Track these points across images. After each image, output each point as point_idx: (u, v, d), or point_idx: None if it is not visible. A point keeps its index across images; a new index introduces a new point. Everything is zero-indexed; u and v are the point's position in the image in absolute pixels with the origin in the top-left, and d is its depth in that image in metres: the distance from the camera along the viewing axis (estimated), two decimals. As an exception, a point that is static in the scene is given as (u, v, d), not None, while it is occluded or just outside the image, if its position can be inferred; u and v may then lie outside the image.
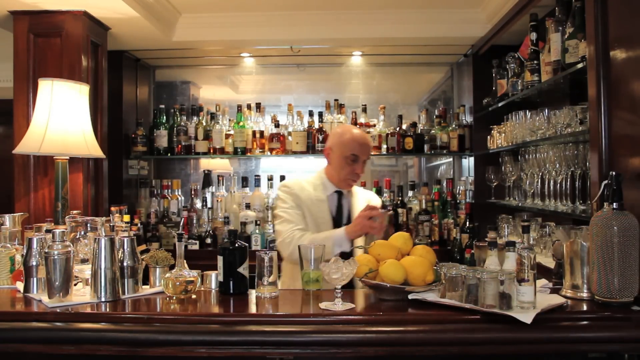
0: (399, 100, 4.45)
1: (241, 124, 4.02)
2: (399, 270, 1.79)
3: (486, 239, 1.90)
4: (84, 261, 2.08)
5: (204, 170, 4.23)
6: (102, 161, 3.36)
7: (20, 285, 2.00)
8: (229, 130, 4.05)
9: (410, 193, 4.06)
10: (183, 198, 4.14)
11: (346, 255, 2.05)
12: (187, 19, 3.73)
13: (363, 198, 2.67)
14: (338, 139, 2.58)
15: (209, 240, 3.82)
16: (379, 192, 4.01)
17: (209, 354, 1.59)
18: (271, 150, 4.01)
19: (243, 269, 1.91)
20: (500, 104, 3.37)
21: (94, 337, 1.63)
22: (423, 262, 1.85)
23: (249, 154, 4.04)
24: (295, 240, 2.36)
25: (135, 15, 3.22)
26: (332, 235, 2.38)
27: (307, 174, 4.31)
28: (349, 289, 1.88)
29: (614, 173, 1.70)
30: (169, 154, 4.11)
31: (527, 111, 2.91)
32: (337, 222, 2.55)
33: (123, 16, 3.27)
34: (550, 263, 2.28)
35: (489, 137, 3.60)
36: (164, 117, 4.13)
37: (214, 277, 2.00)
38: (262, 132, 4.03)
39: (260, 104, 4.14)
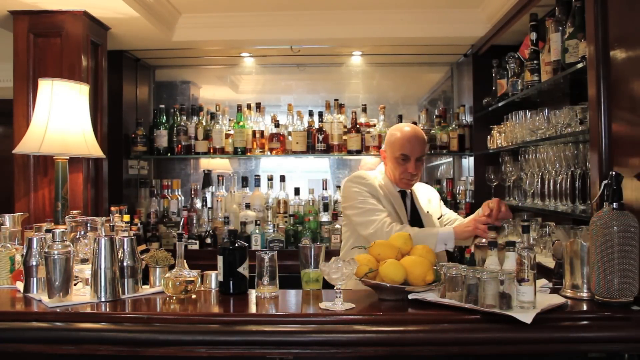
0: (399, 100, 4.45)
1: (241, 124, 4.02)
2: (399, 270, 1.79)
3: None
4: (84, 261, 2.08)
5: (204, 170, 4.23)
6: (102, 161, 3.36)
7: (20, 285, 2.00)
8: (229, 130, 4.05)
9: (410, 193, 4.05)
10: (183, 198, 4.14)
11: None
12: (187, 19, 3.73)
13: (424, 194, 2.66)
14: (388, 139, 2.53)
15: (209, 240, 3.82)
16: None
17: (209, 354, 1.59)
18: (271, 150, 4.01)
19: (243, 269, 1.91)
20: (500, 104, 3.37)
21: (94, 337, 1.63)
22: (423, 262, 1.85)
23: (249, 154, 4.04)
24: (396, 230, 2.26)
25: (135, 15, 3.22)
26: (436, 232, 2.33)
27: (307, 173, 4.36)
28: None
29: (614, 173, 1.70)
30: (169, 154, 4.12)
31: (527, 111, 2.92)
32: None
33: (123, 16, 3.27)
34: (550, 263, 2.28)
35: (489, 137, 3.60)
36: (164, 117, 4.13)
37: (214, 277, 2.00)
38: (262, 132, 4.03)
39: (260, 103, 4.14)
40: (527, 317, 1.54)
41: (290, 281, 2.12)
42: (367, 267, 1.83)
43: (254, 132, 4.02)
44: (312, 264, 1.90)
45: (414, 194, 2.61)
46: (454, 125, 4.07)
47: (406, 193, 2.57)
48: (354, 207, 2.45)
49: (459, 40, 3.82)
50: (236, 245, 1.93)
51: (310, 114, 4.08)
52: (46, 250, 1.82)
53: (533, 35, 2.81)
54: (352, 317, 1.65)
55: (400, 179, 2.48)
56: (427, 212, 2.60)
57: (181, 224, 3.85)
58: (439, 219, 2.63)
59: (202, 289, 1.99)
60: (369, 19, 3.69)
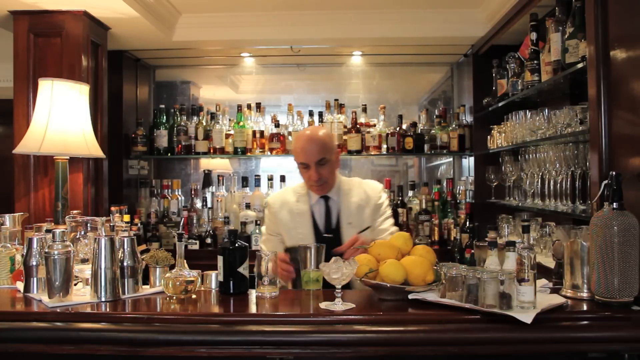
0: (399, 100, 4.45)
1: (241, 123, 4.02)
2: (399, 270, 1.79)
3: (486, 239, 1.90)
4: (84, 261, 2.08)
5: (204, 170, 4.23)
6: (102, 161, 3.36)
7: (20, 285, 2.00)
8: (229, 130, 4.05)
9: (410, 193, 4.06)
10: (183, 198, 4.14)
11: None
12: (187, 19, 3.73)
13: (358, 199, 2.46)
14: (292, 147, 2.50)
15: (209, 240, 3.82)
16: (379, 192, 4.01)
17: (209, 353, 1.59)
18: (271, 150, 4.01)
19: (243, 269, 1.91)
20: (500, 104, 3.37)
21: (94, 337, 1.63)
22: (423, 262, 1.84)
23: (249, 154, 4.04)
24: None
25: (135, 15, 3.22)
26: None
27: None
28: (346, 288, 1.87)
29: (614, 173, 1.70)
30: (169, 154, 4.12)
31: (527, 111, 2.91)
32: (324, 229, 2.42)
33: (123, 16, 3.27)
34: (550, 263, 2.28)
35: (489, 137, 3.60)
36: (164, 117, 4.13)
37: (214, 277, 2.00)
38: (262, 132, 4.03)
39: (260, 103, 4.14)
40: (527, 317, 1.54)
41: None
42: (367, 267, 1.83)
43: (254, 132, 4.02)
44: (312, 264, 1.90)
45: (343, 199, 2.46)
46: (454, 125, 4.07)
47: (329, 197, 2.45)
48: None
49: (459, 40, 3.82)
50: (236, 245, 1.92)
51: (311, 114, 4.08)
52: (46, 250, 1.82)
53: (533, 35, 2.81)
54: (352, 317, 1.65)
55: (309, 186, 2.44)
56: (350, 222, 2.40)
57: (181, 224, 3.85)
58: (364, 230, 2.39)
59: (202, 289, 1.99)
60: (369, 19, 3.69)
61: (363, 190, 2.49)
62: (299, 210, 2.46)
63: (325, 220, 2.45)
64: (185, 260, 1.90)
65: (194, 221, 3.90)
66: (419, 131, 4.07)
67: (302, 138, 2.40)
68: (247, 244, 2.01)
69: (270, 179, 4.10)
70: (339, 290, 1.73)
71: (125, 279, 1.89)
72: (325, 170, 2.37)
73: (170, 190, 4.09)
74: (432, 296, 1.76)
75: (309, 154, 2.35)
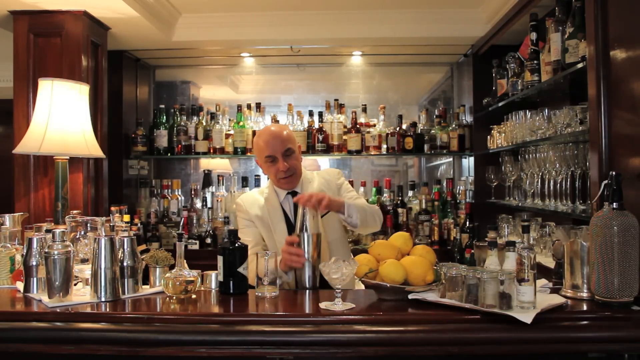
0: (399, 100, 4.45)
1: (241, 123, 4.02)
2: (399, 270, 1.79)
3: (486, 239, 1.91)
4: (84, 261, 2.08)
5: (204, 170, 4.23)
6: (102, 161, 3.36)
7: (20, 285, 2.00)
8: (229, 130, 4.05)
9: (410, 193, 4.06)
10: (183, 198, 4.14)
11: None
12: (187, 19, 3.73)
13: (319, 182, 2.52)
14: (254, 147, 2.55)
15: (209, 240, 3.82)
16: (379, 192, 4.02)
17: (209, 353, 1.59)
18: (271, 150, 4.00)
19: (243, 269, 1.91)
20: (500, 104, 3.37)
21: (94, 337, 1.63)
22: (423, 262, 1.85)
23: (249, 154, 4.03)
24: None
25: (135, 15, 3.22)
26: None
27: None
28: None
29: (614, 173, 1.70)
30: (169, 154, 4.12)
31: (527, 111, 2.92)
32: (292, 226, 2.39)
33: (123, 16, 3.27)
34: (550, 263, 2.28)
35: (489, 137, 3.60)
36: (164, 117, 4.13)
37: (214, 277, 2.00)
38: (262, 132, 4.03)
39: (260, 103, 4.14)
40: (527, 317, 1.54)
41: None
42: (367, 267, 1.83)
43: (254, 132, 4.02)
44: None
45: (306, 190, 2.45)
46: (454, 125, 4.07)
47: (296, 192, 2.45)
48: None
49: (459, 40, 3.82)
50: (236, 245, 1.93)
51: (311, 114, 4.09)
52: (46, 250, 1.82)
53: (533, 35, 2.81)
54: (352, 317, 1.65)
55: (278, 180, 2.44)
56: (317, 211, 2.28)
57: (181, 224, 3.86)
58: (324, 215, 2.38)
59: (202, 289, 1.99)
60: (369, 19, 3.69)
61: (322, 178, 2.56)
62: (269, 206, 2.47)
63: (294, 214, 2.42)
64: (185, 260, 1.90)
65: (194, 221, 3.90)
66: (419, 131, 4.07)
67: (264, 134, 2.45)
68: (247, 244, 2.01)
69: (270, 179, 4.10)
70: (339, 290, 1.73)
71: (125, 279, 1.89)
72: (292, 160, 2.42)
73: (170, 190, 4.09)
74: (432, 296, 1.76)
75: (274, 145, 2.39)
